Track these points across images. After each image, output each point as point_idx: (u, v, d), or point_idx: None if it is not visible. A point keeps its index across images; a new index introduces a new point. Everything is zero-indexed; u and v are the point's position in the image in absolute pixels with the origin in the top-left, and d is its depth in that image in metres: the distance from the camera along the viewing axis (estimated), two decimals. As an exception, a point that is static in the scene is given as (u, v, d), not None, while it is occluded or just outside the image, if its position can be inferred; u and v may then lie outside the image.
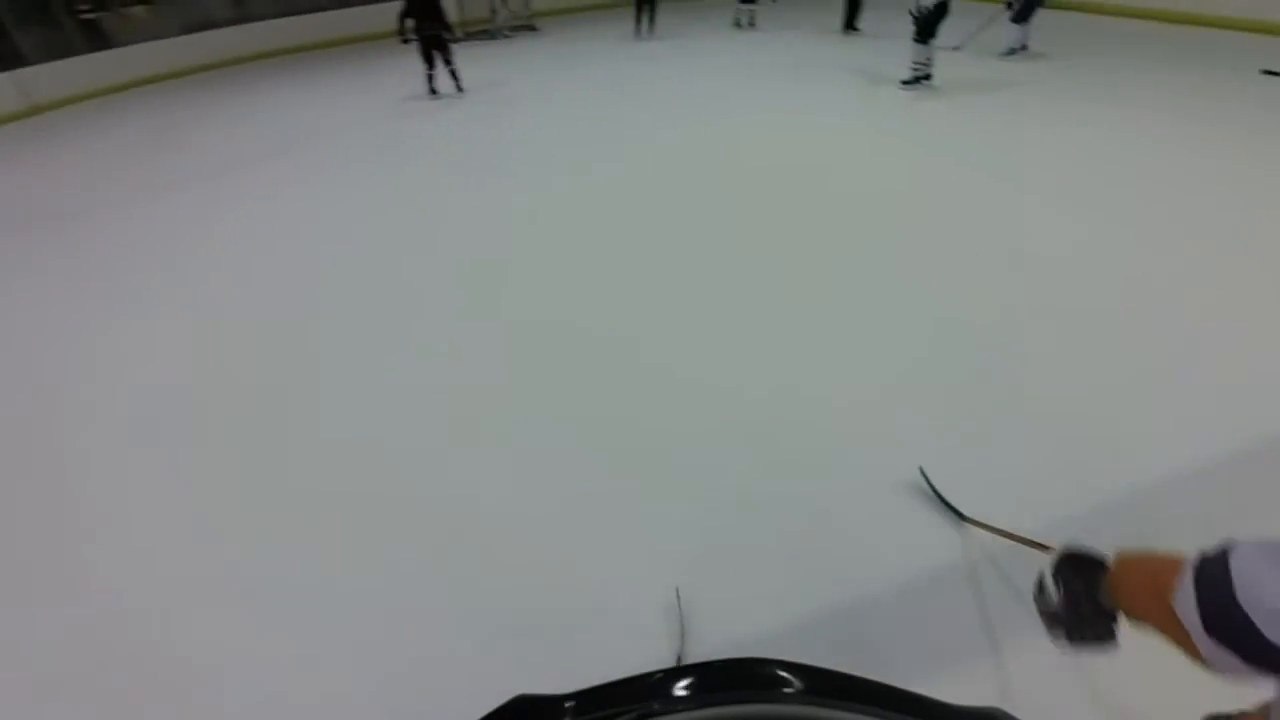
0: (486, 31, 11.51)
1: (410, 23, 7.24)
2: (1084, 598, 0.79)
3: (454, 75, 7.77)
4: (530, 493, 2.33)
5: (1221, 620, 0.59)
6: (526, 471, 2.42)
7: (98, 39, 10.69)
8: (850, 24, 9.57)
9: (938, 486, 2.14)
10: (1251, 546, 0.60)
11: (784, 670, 0.76)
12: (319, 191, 5.39)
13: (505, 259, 4.07)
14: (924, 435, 2.40)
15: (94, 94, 10.04)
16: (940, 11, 6.12)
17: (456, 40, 7.94)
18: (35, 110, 9.38)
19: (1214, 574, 0.60)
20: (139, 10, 11.28)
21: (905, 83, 6.64)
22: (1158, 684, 1.18)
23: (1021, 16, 7.31)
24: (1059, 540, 0.92)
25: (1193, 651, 0.62)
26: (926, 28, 6.21)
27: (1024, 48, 7.58)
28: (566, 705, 0.75)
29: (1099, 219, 3.91)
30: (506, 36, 11.54)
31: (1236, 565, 0.59)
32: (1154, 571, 0.68)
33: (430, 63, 7.59)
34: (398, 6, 7.27)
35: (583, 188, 5.07)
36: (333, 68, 10.53)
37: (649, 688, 0.76)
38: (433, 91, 7.83)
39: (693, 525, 2.15)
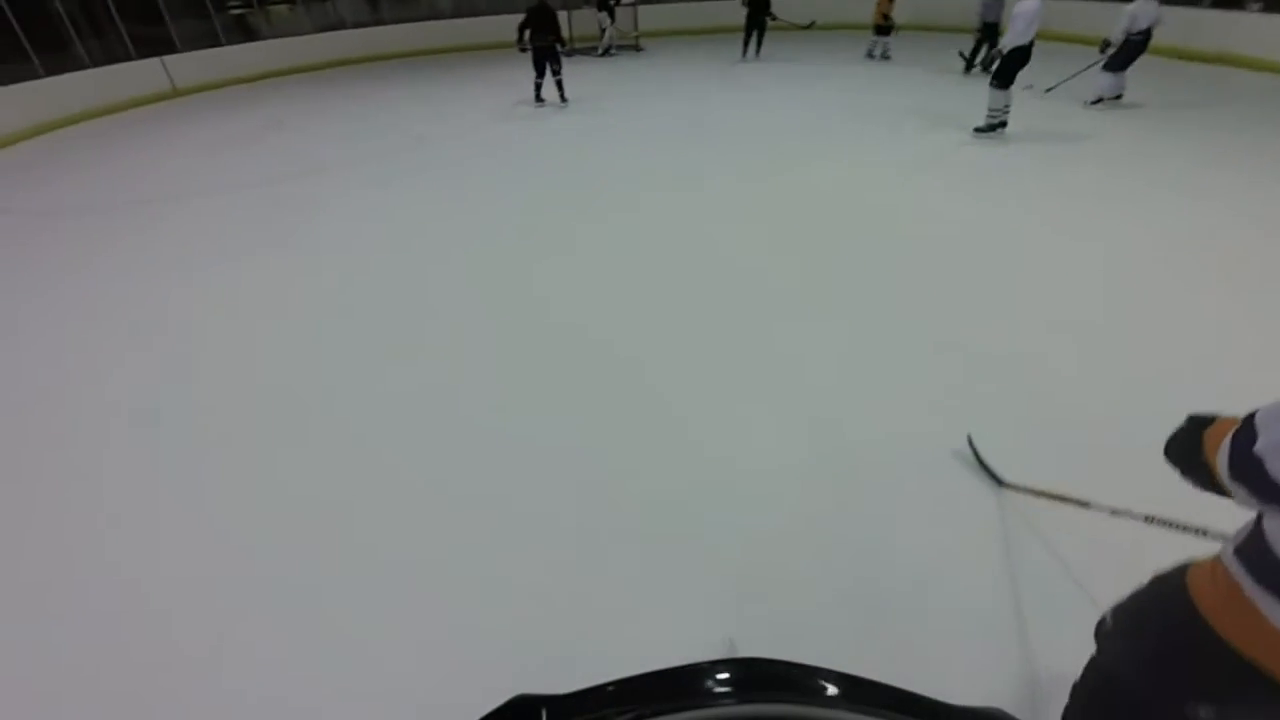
0: (593, 48, 11.69)
1: (528, 33, 7.47)
2: (1192, 453, 0.92)
3: (559, 85, 8.03)
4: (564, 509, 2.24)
5: (1241, 462, 0.80)
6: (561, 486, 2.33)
7: (242, 32, 11.56)
8: (982, 64, 8.95)
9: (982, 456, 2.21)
10: (1273, 405, 0.79)
11: (784, 670, 0.75)
12: (402, 193, 5.40)
13: (569, 269, 3.96)
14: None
15: (228, 82, 10.82)
16: (1018, 56, 5.61)
17: (568, 54, 8.12)
18: (176, 94, 10.17)
19: (1244, 427, 0.81)
20: (282, 8, 12.13)
21: (979, 129, 6.12)
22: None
23: (1114, 65, 6.68)
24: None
25: (1225, 490, 0.84)
26: (1004, 73, 5.75)
27: (1118, 97, 6.95)
28: (566, 705, 0.74)
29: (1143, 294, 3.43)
30: (612, 54, 11.69)
31: (1259, 418, 0.80)
32: (1220, 432, 0.86)
33: (540, 72, 7.85)
34: (517, 19, 7.50)
35: (645, 209, 4.90)
36: (453, 71, 11.00)
37: (648, 687, 0.74)
38: (539, 99, 8.08)
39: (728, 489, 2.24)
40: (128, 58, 9.74)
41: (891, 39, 10.14)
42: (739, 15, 10.50)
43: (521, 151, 6.50)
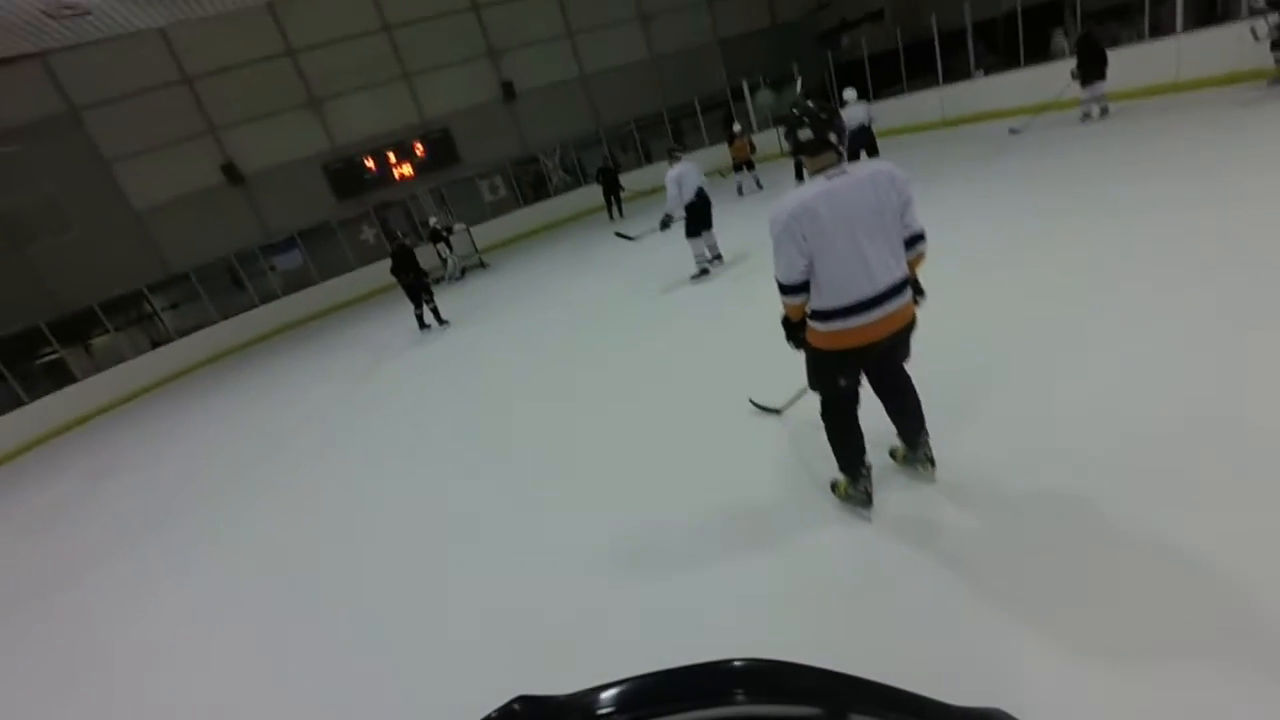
0: (441, 279, 12.00)
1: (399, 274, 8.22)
2: (795, 329, 2.29)
3: (435, 312, 8.50)
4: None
5: (793, 289, 2.12)
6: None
7: (52, 380, 10.36)
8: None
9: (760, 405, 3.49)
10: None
11: (785, 671, 0.77)
12: (300, 499, 4.46)
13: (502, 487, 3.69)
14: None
15: (51, 434, 9.45)
16: (694, 212, 6.20)
17: (432, 283, 8.65)
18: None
19: (785, 288, 2.15)
20: (100, 340, 11.16)
21: (694, 276, 6.59)
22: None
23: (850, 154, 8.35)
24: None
25: (800, 310, 2.21)
26: (691, 228, 6.34)
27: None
28: (567, 706, 0.75)
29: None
30: (459, 279, 12.12)
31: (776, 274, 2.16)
32: (788, 306, 2.23)
33: (417, 303, 8.38)
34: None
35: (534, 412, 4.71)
36: (313, 339, 10.70)
37: (650, 688, 0.74)
38: (423, 326, 8.46)
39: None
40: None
41: (756, 173, 11.27)
42: (568, 209, 11.74)
43: (425, 382, 6.34)
